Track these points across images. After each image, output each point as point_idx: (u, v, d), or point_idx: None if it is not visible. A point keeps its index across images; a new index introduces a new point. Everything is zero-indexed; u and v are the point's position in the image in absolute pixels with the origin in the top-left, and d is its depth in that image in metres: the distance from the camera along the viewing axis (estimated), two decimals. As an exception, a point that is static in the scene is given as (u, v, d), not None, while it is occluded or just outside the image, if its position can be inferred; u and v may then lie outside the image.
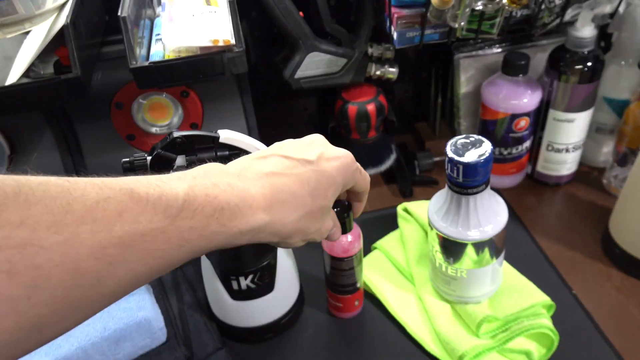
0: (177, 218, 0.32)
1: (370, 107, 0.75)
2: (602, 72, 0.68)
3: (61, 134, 0.73)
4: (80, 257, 0.28)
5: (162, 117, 0.74)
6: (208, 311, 0.64)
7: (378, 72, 0.74)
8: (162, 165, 0.50)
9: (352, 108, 0.75)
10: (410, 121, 0.92)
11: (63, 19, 0.55)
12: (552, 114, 0.72)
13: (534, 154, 0.78)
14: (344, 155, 0.44)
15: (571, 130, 0.72)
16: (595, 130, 0.77)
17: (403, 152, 0.84)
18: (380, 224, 0.74)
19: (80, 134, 0.73)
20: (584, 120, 0.71)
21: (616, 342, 0.58)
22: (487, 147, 0.50)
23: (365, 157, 0.80)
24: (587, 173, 0.80)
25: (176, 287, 0.67)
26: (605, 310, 0.61)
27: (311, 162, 0.41)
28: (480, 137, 0.51)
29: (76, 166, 0.74)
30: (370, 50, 0.74)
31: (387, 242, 0.70)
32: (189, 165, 0.51)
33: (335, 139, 0.80)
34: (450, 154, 0.50)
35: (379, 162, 0.81)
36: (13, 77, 0.57)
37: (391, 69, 0.75)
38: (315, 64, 0.71)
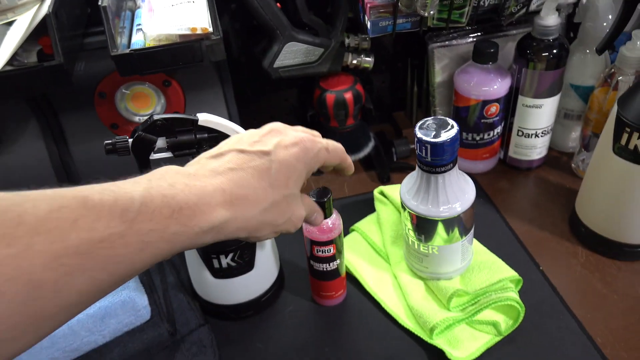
0: (134, 221, 0.31)
1: (348, 96, 0.77)
2: (567, 59, 0.71)
3: (46, 123, 0.74)
4: (34, 268, 0.27)
5: (145, 107, 0.76)
6: (191, 290, 0.66)
7: (355, 62, 0.77)
8: (143, 147, 0.52)
9: (330, 96, 0.77)
10: (388, 110, 0.95)
11: (45, 8, 0.57)
12: (521, 100, 0.75)
13: (505, 139, 0.81)
14: (301, 139, 0.43)
15: (540, 116, 0.75)
16: (563, 116, 0.80)
17: (381, 139, 0.86)
18: (359, 208, 0.76)
19: (64, 123, 0.75)
20: (552, 106, 0.75)
21: (579, 314, 0.61)
22: (453, 127, 0.53)
23: (344, 144, 0.81)
24: (557, 158, 0.83)
25: (160, 268, 0.69)
26: (571, 284, 0.64)
27: (268, 152, 0.40)
28: (447, 118, 0.54)
29: (61, 155, 0.76)
30: (347, 41, 0.77)
31: (364, 224, 0.72)
32: (170, 147, 0.53)
33: (315, 127, 0.83)
34: (418, 134, 0.53)
35: (358, 149, 0.83)
36: (-2, 64, 0.59)
37: (367, 59, 0.77)
38: (293, 54, 0.74)
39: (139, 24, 0.64)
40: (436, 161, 0.54)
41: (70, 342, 0.57)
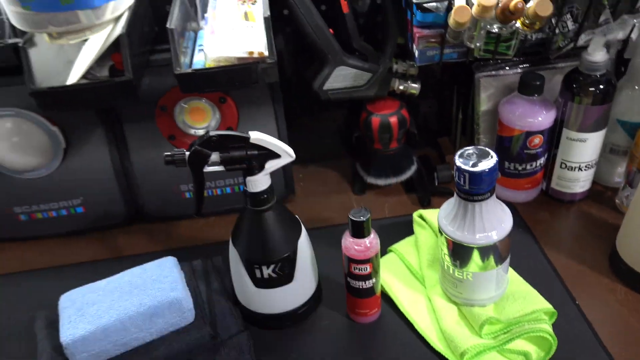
0: None
1: (393, 120, 0.80)
2: (614, 94, 0.71)
3: (111, 131, 0.80)
4: None
5: (200, 120, 0.81)
6: (233, 298, 0.69)
7: (401, 87, 0.80)
8: (198, 160, 0.56)
9: (376, 119, 0.80)
10: (433, 136, 0.96)
11: (119, 29, 0.62)
12: (566, 133, 0.75)
13: (548, 171, 0.81)
14: None
15: (584, 150, 0.75)
16: (609, 151, 0.80)
17: (424, 163, 0.88)
18: (398, 229, 0.78)
19: (127, 133, 0.81)
20: (596, 141, 0.75)
21: (614, 351, 0.60)
22: (492, 158, 0.55)
23: (387, 166, 0.85)
24: (601, 192, 0.83)
25: (206, 274, 0.73)
26: (607, 321, 0.64)
27: None
28: (486, 148, 0.56)
29: (122, 160, 0.82)
30: (395, 67, 0.79)
31: (402, 246, 0.74)
32: (222, 161, 0.57)
33: (359, 149, 0.86)
34: (458, 162, 0.55)
35: (400, 172, 0.85)
36: (73, 78, 0.65)
37: (414, 85, 0.80)
38: (342, 77, 0.77)
39: (201, 45, 0.69)
40: (474, 190, 0.56)
41: (122, 337, 0.62)
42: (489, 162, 0.54)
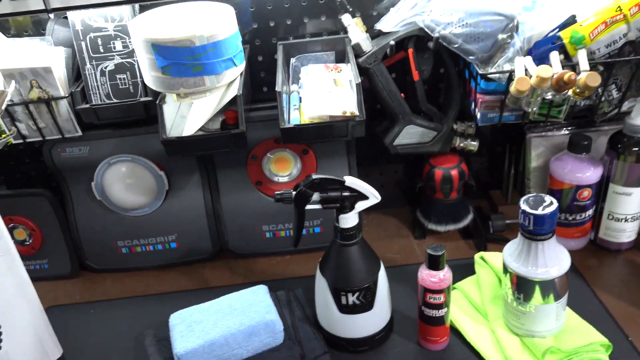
0: None
1: (454, 172, 0.90)
2: (656, 154, 0.81)
3: (206, 177, 0.93)
4: None
5: (283, 169, 0.93)
6: (315, 323, 0.78)
7: (462, 144, 0.91)
8: (302, 198, 0.67)
9: (439, 172, 0.91)
10: (485, 189, 1.06)
11: (235, 90, 0.75)
12: (612, 187, 0.84)
13: (596, 221, 0.89)
14: None
15: (629, 203, 0.84)
16: (652, 204, 0.88)
17: (479, 213, 0.98)
18: (458, 271, 0.86)
19: (220, 178, 0.93)
20: (641, 194, 0.83)
21: (667, 382, 0.67)
22: (553, 203, 0.64)
23: (447, 214, 0.95)
24: (646, 243, 0.90)
25: (289, 303, 0.82)
26: (658, 356, 0.70)
27: None
28: (548, 195, 0.65)
29: (214, 203, 0.94)
30: (455, 126, 0.91)
31: (465, 284, 0.83)
32: (321, 201, 0.68)
33: (421, 197, 0.97)
34: (523, 206, 0.65)
35: (458, 220, 0.95)
36: (191, 130, 0.78)
37: (473, 142, 0.91)
38: (410, 135, 0.89)
39: (295, 104, 0.82)
40: (537, 230, 0.65)
41: (224, 352, 0.71)
42: (551, 207, 0.64)
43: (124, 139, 0.88)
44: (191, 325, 0.73)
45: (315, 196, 0.68)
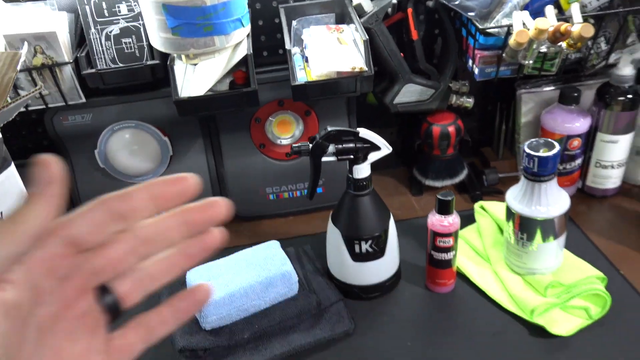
0: None
1: (451, 129, 0.94)
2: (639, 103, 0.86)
3: (209, 141, 0.94)
4: None
5: (286, 132, 0.95)
6: (327, 275, 0.81)
7: (458, 101, 0.94)
8: (319, 150, 0.70)
9: (436, 129, 0.94)
10: (477, 147, 1.11)
11: (244, 50, 0.77)
12: (600, 136, 0.90)
13: (584, 171, 0.95)
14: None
15: (616, 150, 0.89)
16: (635, 153, 0.94)
17: (473, 168, 1.02)
18: (458, 221, 0.91)
19: (223, 142, 0.94)
20: (626, 142, 0.89)
21: (657, 308, 0.73)
22: (556, 146, 0.69)
23: (443, 170, 0.99)
24: (629, 189, 0.96)
25: (298, 258, 0.85)
26: (648, 286, 0.76)
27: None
28: (550, 140, 0.70)
29: (217, 167, 0.95)
30: (450, 85, 0.94)
31: (467, 232, 0.87)
32: (336, 152, 0.70)
33: (419, 155, 1.00)
34: (527, 150, 0.69)
35: (454, 175, 0.99)
36: (201, 90, 0.79)
37: (468, 99, 0.95)
38: (410, 93, 0.92)
39: (300, 65, 0.84)
40: (541, 171, 0.69)
41: (243, 303, 0.73)
42: (554, 149, 0.68)
43: (128, 105, 0.88)
44: (210, 280, 0.75)
45: (331, 148, 0.70)
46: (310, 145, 0.70)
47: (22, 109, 0.82)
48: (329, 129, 0.70)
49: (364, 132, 0.70)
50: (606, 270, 0.78)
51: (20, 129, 0.98)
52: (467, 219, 0.90)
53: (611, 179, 0.93)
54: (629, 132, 0.88)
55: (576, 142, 0.90)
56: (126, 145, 0.91)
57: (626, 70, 0.84)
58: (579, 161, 0.92)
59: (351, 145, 0.70)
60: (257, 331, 0.72)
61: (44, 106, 0.83)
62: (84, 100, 0.84)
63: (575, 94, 0.88)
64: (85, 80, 0.82)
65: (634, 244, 0.84)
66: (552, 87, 0.96)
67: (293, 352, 0.71)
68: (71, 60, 0.79)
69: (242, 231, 0.97)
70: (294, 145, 0.69)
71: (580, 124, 0.89)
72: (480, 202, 0.89)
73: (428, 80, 0.92)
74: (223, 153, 0.95)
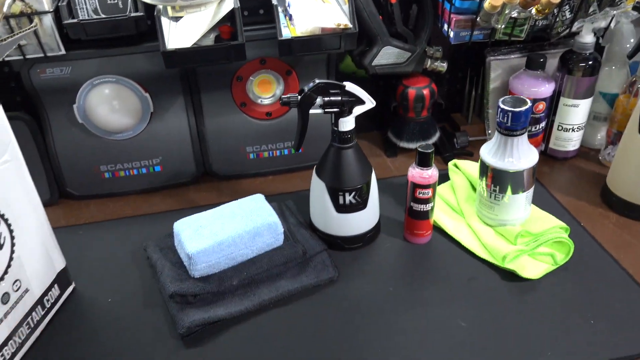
0: None
1: (426, 92, 0.98)
2: (599, 69, 0.93)
3: (190, 98, 0.94)
4: None
5: (266, 91, 0.96)
6: (311, 227, 0.84)
7: (433, 65, 0.98)
8: (307, 101, 0.72)
9: (412, 92, 0.98)
10: (447, 112, 1.15)
11: (231, 4, 0.78)
12: (563, 100, 0.96)
13: (547, 135, 1.01)
14: None
15: (577, 114, 0.96)
16: (592, 118, 1.01)
17: (444, 132, 1.07)
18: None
19: (204, 100, 0.95)
20: (586, 106, 0.96)
21: (614, 254, 0.80)
22: (528, 103, 0.74)
23: (417, 132, 1.03)
24: (587, 152, 1.04)
25: (282, 213, 0.87)
26: (606, 235, 0.83)
27: None
28: (522, 97, 0.75)
29: (198, 125, 0.96)
30: (426, 49, 0.98)
31: (441, 189, 0.92)
32: (323, 105, 0.73)
33: (395, 117, 1.04)
34: (502, 105, 0.74)
35: (428, 137, 1.03)
36: (187, 43, 0.79)
37: (442, 63, 0.99)
38: (387, 56, 0.95)
39: (283, 23, 0.85)
40: (514, 126, 0.74)
41: (232, 251, 0.75)
42: (526, 105, 0.73)
43: (108, 59, 0.87)
44: (198, 230, 0.76)
45: (319, 100, 0.73)
46: (299, 96, 0.72)
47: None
48: (317, 81, 0.72)
49: (350, 86, 0.73)
50: (568, 222, 0.84)
51: (-9, 84, 0.95)
52: (441, 178, 0.94)
53: (572, 142, 1.00)
54: (589, 96, 0.95)
55: (541, 106, 0.95)
56: (106, 100, 0.90)
57: (587, 38, 0.90)
58: (542, 124, 0.99)
59: (338, 98, 0.73)
60: (246, 278, 0.75)
61: (21, 57, 0.81)
62: (63, 52, 0.82)
63: (542, 60, 0.93)
64: (64, 31, 0.80)
65: (592, 200, 0.91)
66: (519, 55, 1.02)
67: (280, 297, 0.74)
68: (51, 10, 0.78)
69: (223, 189, 0.99)
70: (283, 96, 0.71)
71: (545, 89, 0.94)
72: (454, 161, 0.94)
73: (405, 43, 0.95)
74: (204, 111, 0.96)
